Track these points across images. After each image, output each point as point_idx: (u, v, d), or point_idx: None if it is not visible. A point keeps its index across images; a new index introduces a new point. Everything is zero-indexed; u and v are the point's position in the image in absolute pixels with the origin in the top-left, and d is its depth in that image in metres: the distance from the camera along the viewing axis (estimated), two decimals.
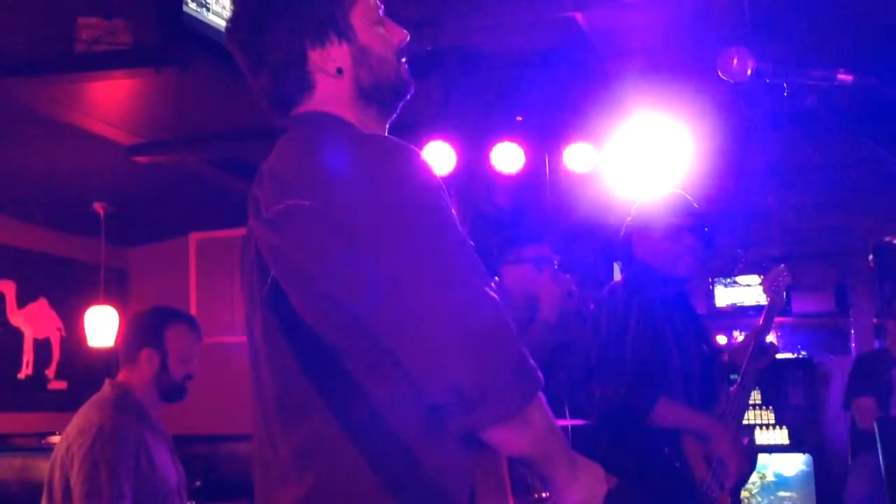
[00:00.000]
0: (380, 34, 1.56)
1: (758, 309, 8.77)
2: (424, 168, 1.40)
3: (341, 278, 1.35)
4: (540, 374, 1.36)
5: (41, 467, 3.25)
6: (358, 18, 1.54)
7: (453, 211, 1.40)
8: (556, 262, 3.36)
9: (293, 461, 1.43)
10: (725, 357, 3.40)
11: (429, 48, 4.24)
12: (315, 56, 1.51)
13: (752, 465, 3.25)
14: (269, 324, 1.45)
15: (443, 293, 1.33)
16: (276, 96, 1.56)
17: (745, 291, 8.75)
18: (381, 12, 1.58)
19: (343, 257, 1.34)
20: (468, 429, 1.35)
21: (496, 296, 1.36)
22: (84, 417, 2.98)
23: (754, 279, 8.59)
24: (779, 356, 8.85)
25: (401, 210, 1.36)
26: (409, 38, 1.60)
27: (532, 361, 1.35)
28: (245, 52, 1.56)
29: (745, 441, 3.22)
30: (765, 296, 3.46)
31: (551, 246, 3.42)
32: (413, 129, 4.53)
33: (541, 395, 1.38)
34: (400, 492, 1.36)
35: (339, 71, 1.52)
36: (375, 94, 1.55)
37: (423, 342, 1.32)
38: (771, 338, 3.49)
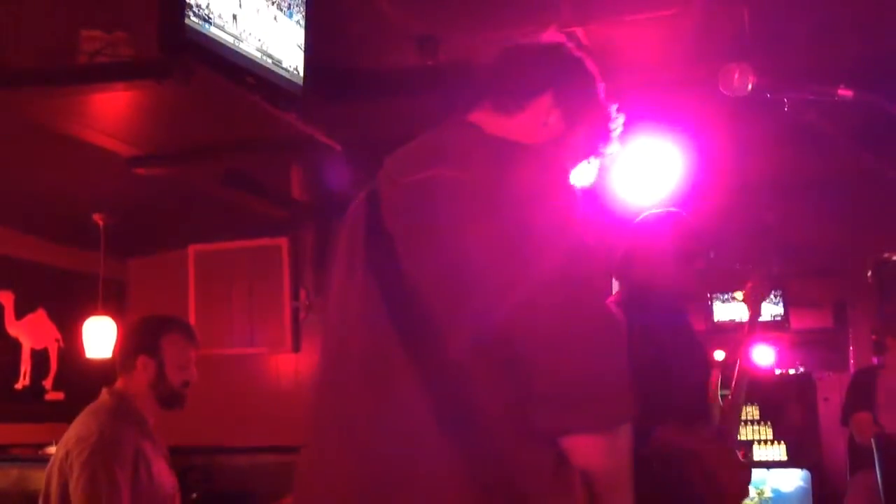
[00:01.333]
0: (587, 146, 1.74)
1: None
2: (570, 182, 1.50)
3: (472, 249, 1.39)
4: (635, 405, 1.40)
5: (38, 478, 3.25)
6: (587, 125, 1.72)
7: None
8: None
9: (371, 430, 1.44)
10: (717, 373, 3.41)
11: (430, 63, 4.25)
12: (547, 100, 1.66)
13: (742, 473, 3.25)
14: (370, 288, 1.48)
15: (574, 290, 1.38)
16: (490, 92, 1.69)
17: (743, 307, 8.74)
18: (603, 148, 1.76)
19: (481, 231, 1.39)
20: (559, 427, 1.38)
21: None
22: (83, 425, 2.98)
23: None
24: (778, 372, 8.85)
25: (549, 205, 1.42)
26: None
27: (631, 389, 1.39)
28: (517, 55, 1.73)
29: (741, 454, 3.23)
30: (747, 308, 3.47)
31: None
32: None
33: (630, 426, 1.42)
34: (477, 477, 1.37)
35: (545, 124, 1.67)
36: None
37: (541, 329, 1.36)
38: (770, 354, 3.49)
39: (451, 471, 1.38)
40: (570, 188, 1.48)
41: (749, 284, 3.44)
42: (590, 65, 1.76)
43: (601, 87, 1.75)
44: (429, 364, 1.40)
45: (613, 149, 1.77)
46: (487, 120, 1.65)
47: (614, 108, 1.76)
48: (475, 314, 1.39)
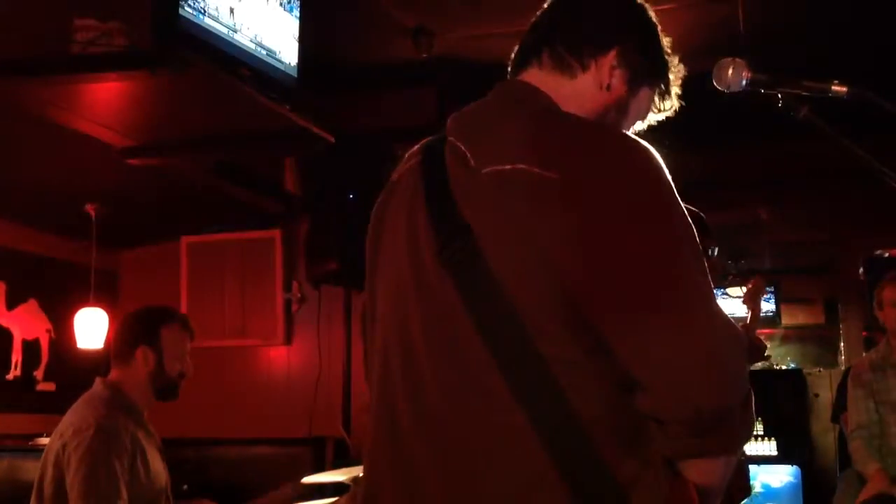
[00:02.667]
0: (648, 108, 1.61)
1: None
2: (665, 171, 1.37)
3: (568, 251, 1.29)
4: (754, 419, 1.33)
5: (29, 468, 3.25)
6: (651, 86, 1.59)
7: None
8: None
9: (462, 446, 1.34)
10: None
11: (424, 56, 4.25)
12: (610, 60, 1.53)
13: (745, 479, 3.24)
14: (445, 284, 1.37)
15: (690, 305, 1.28)
16: (551, 45, 1.56)
17: (736, 303, 8.76)
18: (662, 106, 1.63)
19: (578, 232, 1.29)
20: (683, 453, 1.30)
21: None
22: (79, 416, 2.97)
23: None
24: (769, 368, 8.86)
25: (654, 207, 1.33)
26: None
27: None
28: (578, 3, 1.60)
29: None
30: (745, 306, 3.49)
31: None
32: (407, 136, 4.52)
33: None
34: (577, 484, 1.28)
35: (608, 87, 1.53)
36: None
37: (663, 350, 1.25)
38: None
39: (545, 479, 1.28)
40: (664, 174, 1.36)
41: (751, 285, 3.45)
42: (652, 15, 1.60)
43: (665, 40, 1.60)
44: (516, 361, 1.31)
45: (672, 104, 1.64)
46: (550, 81, 1.52)
47: (676, 59, 1.62)
48: (573, 319, 1.29)
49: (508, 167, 1.34)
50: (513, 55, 1.62)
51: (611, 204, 1.31)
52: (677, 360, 1.25)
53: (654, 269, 1.29)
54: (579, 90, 1.53)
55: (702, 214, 3.19)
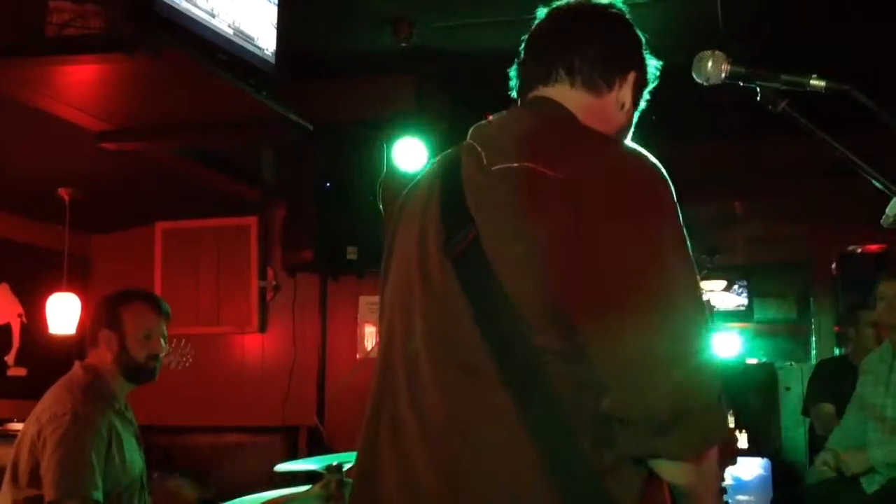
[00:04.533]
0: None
1: (723, 315, 8.89)
2: (668, 182, 1.41)
3: (561, 252, 1.33)
4: (726, 422, 1.36)
5: (0, 454, 3.22)
6: (638, 105, 1.66)
7: None
8: None
9: (448, 424, 1.38)
10: None
11: (404, 45, 4.24)
12: (629, 80, 1.60)
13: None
14: (447, 280, 1.42)
15: (664, 311, 1.32)
16: (580, 63, 1.59)
17: (710, 297, 8.82)
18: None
19: (575, 234, 1.33)
20: (646, 453, 1.33)
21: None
22: (56, 402, 2.94)
23: (719, 284, 8.66)
24: (740, 361, 8.91)
25: (648, 214, 1.36)
26: None
27: (724, 409, 1.34)
28: (606, 26, 1.63)
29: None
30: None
31: None
32: (386, 126, 4.52)
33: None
34: (561, 481, 1.31)
35: (622, 107, 1.60)
36: None
37: (627, 351, 1.30)
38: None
39: (525, 460, 1.32)
40: (665, 184, 1.40)
41: None
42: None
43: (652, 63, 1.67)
44: (506, 347, 1.35)
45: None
46: (575, 98, 1.56)
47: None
48: (561, 314, 1.33)
49: (516, 165, 1.39)
50: (527, 66, 1.64)
51: (606, 207, 1.35)
52: (637, 362, 1.29)
53: (636, 273, 1.32)
54: (601, 109, 1.58)
55: None
